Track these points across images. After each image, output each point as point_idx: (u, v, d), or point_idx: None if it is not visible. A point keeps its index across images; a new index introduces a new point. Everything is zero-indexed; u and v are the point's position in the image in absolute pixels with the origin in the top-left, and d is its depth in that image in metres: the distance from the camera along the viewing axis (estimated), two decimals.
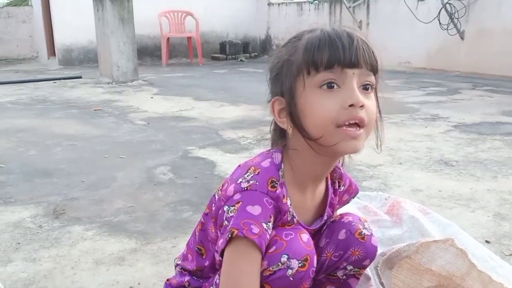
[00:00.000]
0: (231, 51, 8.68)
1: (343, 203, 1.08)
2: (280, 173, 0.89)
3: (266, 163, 0.90)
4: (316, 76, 0.83)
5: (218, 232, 0.89)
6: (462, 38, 5.82)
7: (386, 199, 1.57)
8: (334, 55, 0.82)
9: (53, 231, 1.70)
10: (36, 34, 9.94)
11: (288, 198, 0.90)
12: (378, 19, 7.02)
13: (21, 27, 10.14)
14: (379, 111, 0.91)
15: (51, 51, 8.76)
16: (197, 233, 1.02)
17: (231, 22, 8.95)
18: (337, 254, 1.00)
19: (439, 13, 5.81)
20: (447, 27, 5.81)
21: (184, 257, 1.07)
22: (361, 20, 7.13)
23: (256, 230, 0.82)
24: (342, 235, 1.00)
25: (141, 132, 3.23)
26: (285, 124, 0.89)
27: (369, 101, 0.85)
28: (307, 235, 0.89)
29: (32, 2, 10.47)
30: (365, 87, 0.85)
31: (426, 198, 1.92)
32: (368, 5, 7.14)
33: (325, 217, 1.01)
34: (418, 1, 6.11)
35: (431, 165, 2.37)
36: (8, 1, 17.68)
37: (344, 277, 1.03)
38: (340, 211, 1.09)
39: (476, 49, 5.77)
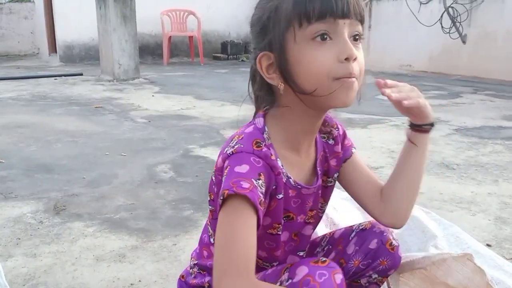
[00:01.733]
0: (233, 51, 8.68)
1: (341, 161, 1.02)
2: (265, 135, 0.87)
3: (249, 129, 0.88)
4: (308, 28, 0.80)
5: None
6: (464, 42, 5.83)
7: None
8: (326, 5, 0.79)
9: (53, 227, 1.70)
10: (37, 31, 9.94)
11: (278, 159, 0.87)
12: (380, 22, 7.02)
13: (23, 23, 10.14)
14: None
15: (53, 47, 8.76)
16: (209, 224, 0.99)
17: (233, 22, 8.95)
18: (365, 262, 0.99)
19: (441, 16, 5.81)
20: (449, 30, 5.82)
21: (198, 255, 1.03)
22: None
23: (246, 185, 0.79)
24: (373, 244, 0.98)
25: (142, 130, 3.23)
26: (275, 80, 0.85)
27: (359, 52, 0.83)
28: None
29: None
30: (354, 38, 0.83)
31: (428, 200, 1.92)
32: (370, 8, 7.14)
33: (319, 174, 0.97)
34: (420, 4, 6.12)
35: (432, 168, 2.37)
36: None
37: (367, 284, 1.02)
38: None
39: (478, 53, 5.77)
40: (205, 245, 1.01)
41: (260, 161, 0.83)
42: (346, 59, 0.80)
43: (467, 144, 2.82)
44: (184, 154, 2.64)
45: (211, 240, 0.97)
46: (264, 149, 0.85)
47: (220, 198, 0.80)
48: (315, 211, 0.99)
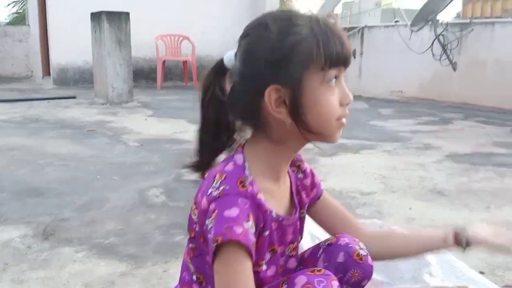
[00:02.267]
0: None
1: (313, 197, 1.04)
2: (247, 172, 0.87)
3: (229, 167, 0.88)
4: (327, 71, 0.84)
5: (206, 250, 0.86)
6: (454, 69, 5.91)
7: (380, 227, 1.56)
8: (342, 53, 0.85)
9: (42, 252, 1.68)
10: (31, 53, 9.97)
11: (261, 193, 0.87)
12: (372, 48, 7.12)
13: (17, 46, 10.17)
14: None
15: (46, 70, 8.77)
16: (190, 262, 0.97)
17: (227, 47, 8.91)
18: (337, 277, 0.99)
19: (432, 44, 5.90)
20: (440, 58, 5.91)
21: None
22: (355, 49, 7.22)
23: (239, 230, 0.80)
24: (340, 257, 0.98)
25: (134, 154, 3.22)
26: (282, 115, 0.85)
27: None
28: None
29: (30, 22, 10.54)
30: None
31: (420, 227, 1.92)
32: (362, 34, 7.25)
33: (296, 203, 0.99)
34: (411, 32, 6.22)
35: (424, 194, 2.38)
36: (8, 21, 17.82)
37: None
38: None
39: (468, 80, 5.86)
40: (187, 284, 0.98)
41: (247, 202, 0.83)
42: (347, 104, 0.88)
43: (459, 170, 2.83)
44: (176, 178, 2.63)
45: (194, 277, 0.96)
46: (249, 188, 0.85)
47: (213, 244, 0.81)
48: (295, 242, 1.00)
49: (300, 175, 1.02)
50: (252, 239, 0.82)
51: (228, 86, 0.92)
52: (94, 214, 2.07)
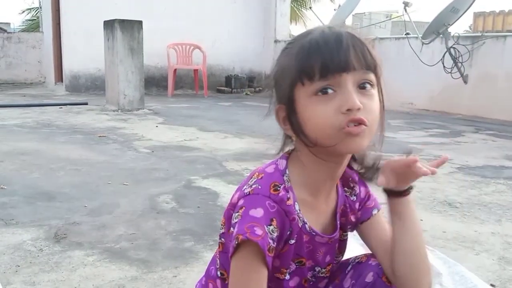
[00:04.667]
0: (237, 85, 8.78)
1: (360, 217, 1.01)
2: (285, 178, 0.89)
3: (270, 169, 0.90)
4: (311, 85, 0.83)
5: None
6: (465, 82, 5.89)
7: None
8: (324, 64, 0.81)
9: (53, 255, 1.69)
10: (44, 60, 10.10)
11: (296, 203, 0.88)
12: (382, 60, 7.12)
13: (31, 52, 10.32)
14: (383, 106, 0.89)
15: (59, 77, 8.87)
16: (218, 257, 0.98)
17: (237, 57, 9.09)
18: None
19: (443, 56, 5.90)
20: (451, 70, 5.89)
21: (204, 287, 1.02)
22: None
23: (259, 231, 0.82)
24: (369, 277, 0.96)
25: (145, 160, 3.24)
26: (289, 131, 0.90)
27: (369, 100, 0.83)
28: None
29: (44, 29, 10.68)
30: (362, 86, 0.83)
31: (431, 238, 1.91)
32: (372, 46, 7.26)
33: (338, 226, 0.97)
34: (422, 44, 6.22)
35: (435, 205, 2.36)
36: (22, 28, 18.08)
37: None
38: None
39: (479, 93, 5.84)
40: (212, 278, 1.00)
41: (274, 206, 0.85)
42: (348, 110, 0.81)
43: (470, 183, 2.82)
44: (187, 185, 2.64)
45: (218, 273, 0.97)
46: (282, 193, 0.86)
47: (234, 242, 0.82)
48: (331, 264, 0.99)
49: (353, 198, 0.99)
50: (269, 243, 0.83)
51: None
52: (105, 218, 2.08)
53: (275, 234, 0.84)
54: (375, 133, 0.86)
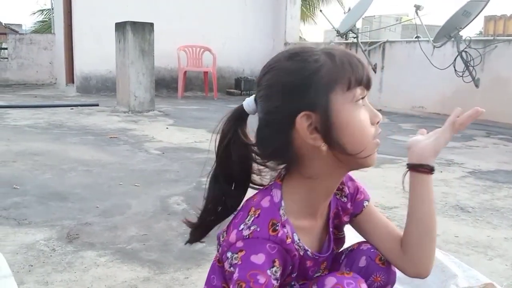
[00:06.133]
0: (246, 87, 8.80)
1: (352, 213, 1.02)
2: (281, 211, 0.87)
3: (265, 203, 0.88)
4: (353, 90, 0.85)
5: (226, 275, 0.89)
6: (477, 85, 5.85)
7: None
8: (365, 74, 0.86)
9: (66, 255, 1.70)
10: (56, 61, 10.18)
11: (295, 234, 0.88)
12: (393, 63, 7.10)
13: (42, 53, 10.41)
14: None
15: (70, 78, 8.94)
16: (218, 270, 0.97)
17: (247, 59, 9.10)
18: None
19: (454, 60, 5.86)
20: (462, 74, 5.86)
21: None
22: (376, 64, 7.21)
23: (262, 280, 0.82)
24: (362, 262, 0.98)
25: (155, 162, 3.25)
26: (317, 141, 0.84)
27: None
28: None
29: (55, 30, 10.77)
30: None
31: (443, 243, 1.90)
32: (383, 49, 7.24)
33: (331, 232, 0.98)
34: (434, 48, 6.19)
35: (447, 210, 2.35)
36: (33, 29, 18.26)
37: None
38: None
39: (490, 97, 5.79)
40: (214, 287, 0.99)
41: (275, 247, 0.84)
42: (378, 122, 0.88)
43: (482, 188, 2.79)
44: (197, 187, 2.64)
45: (222, 285, 0.96)
46: (280, 232, 0.85)
47: (236, 287, 0.83)
48: (326, 262, 1.00)
49: (344, 199, 1.01)
50: (274, 284, 0.84)
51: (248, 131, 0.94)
52: (117, 219, 2.09)
53: (278, 274, 0.85)
54: None
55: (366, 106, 0.87)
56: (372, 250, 0.99)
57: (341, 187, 1.00)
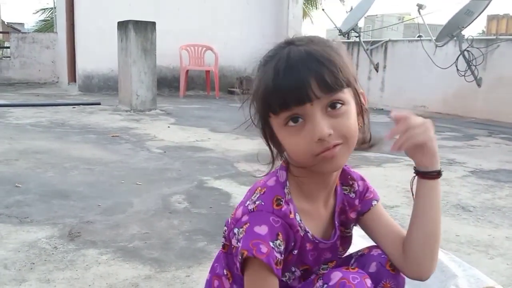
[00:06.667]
0: (248, 86, 8.79)
1: (360, 211, 1.03)
2: (286, 190, 0.91)
3: (271, 182, 0.92)
4: (278, 116, 0.85)
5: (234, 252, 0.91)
6: (479, 85, 5.85)
7: None
8: (284, 101, 0.82)
9: (68, 253, 1.70)
10: (58, 60, 10.20)
11: (297, 214, 0.91)
12: (395, 62, 7.10)
13: (45, 52, 10.43)
14: (362, 108, 0.90)
15: (72, 77, 8.95)
16: (222, 257, 1.01)
17: (249, 58, 8.93)
18: None
19: (457, 59, 5.86)
20: (465, 73, 5.85)
21: (209, 283, 1.05)
22: (378, 63, 7.21)
23: (264, 249, 0.84)
24: (373, 267, 0.98)
25: (157, 160, 3.26)
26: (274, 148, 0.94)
27: (341, 119, 0.84)
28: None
29: (57, 29, 10.79)
30: (333, 107, 0.83)
31: (444, 242, 1.90)
32: (386, 48, 7.24)
33: (337, 226, 0.99)
34: (436, 47, 6.19)
35: (448, 209, 2.35)
36: (35, 28, 18.29)
37: None
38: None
39: (492, 97, 5.78)
40: (216, 275, 1.02)
41: (279, 221, 0.87)
42: (319, 139, 0.83)
43: (483, 187, 2.79)
44: (199, 186, 2.65)
45: (224, 271, 1.00)
46: (284, 207, 0.88)
47: (240, 256, 0.85)
48: (335, 261, 1.01)
49: (352, 195, 1.02)
50: (278, 257, 0.86)
51: None
52: (119, 218, 2.09)
53: (282, 247, 0.87)
54: (355, 142, 0.88)
55: (307, 121, 0.83)
56: (382, 256, 0.99)
57: (351, 183, 1.02)
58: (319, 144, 0.83)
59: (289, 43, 0.88)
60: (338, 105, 0.84)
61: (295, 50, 0.84)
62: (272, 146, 0.93)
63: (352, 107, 0.86)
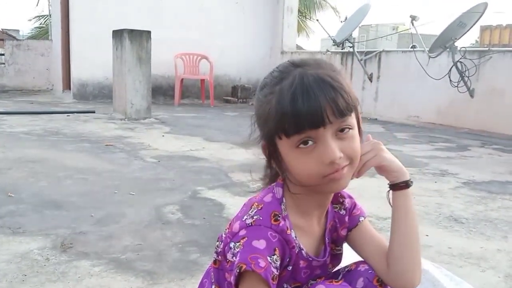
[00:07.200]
0: (243, 95, 8.82)
1: (347, 227, 1.05)
2: (282, 206, 0.93)
3: (268, 198, 0.94)
4: (289, 139, 0.86)
5: (227, 267, 0.91)
6: (472, 96, 5.89)
7: None
8: (298, 123, 0.84)
9: (60, 265, 1.70)
10: (53, 67, 10.18)
11: (292, 230, 0.92)
12: (389, 73, 7.14)
13: (39, 59, 10.41)
14: (359, 130, 0.93)
15: (67, 84, 8.94)
16: (212, 273, 1.01)
17: (244, 67, 9.14)
18: None
19: (449, 70, 5.91)
20: (457, 84, 5.90)
21: None
22: (371, 73, 7.25)
23: (262, 263, 0.85)
24: (360, 283, 0.99)
25: (151, 170, 3.25)
26: (276, 167, 0.94)
27: (349, 142, 0.88)
28: None
29: (52, 37, 10.78)
30: (342, 130, 0.87)
31: (436, 254, 1.91)
32: (379, 58, 7.28)
33: (327, 243, 1.01)
34: (429, 58, 6.23)
35: (441, 221, 2.36)
36: (30, 35, 18.27)
37: None
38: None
39: (485, 108, 5.83)
40: None
41: (276, 236, 0.88)
42: (331, 162, 0.85)
43: (476, 198, 2.81)
44: (192, 196, 2.65)
45: (213, 287, 1.00)
46: (281, 223, 0.90)
47: (236, 270, 0.85)
48: (323, 277, 1.02)
49: (343, 212, 1.05)
50: (274, 272, 0.87)
51: None
52: (111, 228, 2.09)
53: (278, 263, 0.88)
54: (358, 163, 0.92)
55: (321, 144, 0.85)
56: (369, 272, 1.01)
57: (341, 201, 1.05)
58: (330, 166, 0.86)
59: (297, 65, 0.89)
60: (346, 130, 0.87)
61: (307, 75, 0.86)
62: (272, 164, 0.94)
63: (356, 130, 0.90)
